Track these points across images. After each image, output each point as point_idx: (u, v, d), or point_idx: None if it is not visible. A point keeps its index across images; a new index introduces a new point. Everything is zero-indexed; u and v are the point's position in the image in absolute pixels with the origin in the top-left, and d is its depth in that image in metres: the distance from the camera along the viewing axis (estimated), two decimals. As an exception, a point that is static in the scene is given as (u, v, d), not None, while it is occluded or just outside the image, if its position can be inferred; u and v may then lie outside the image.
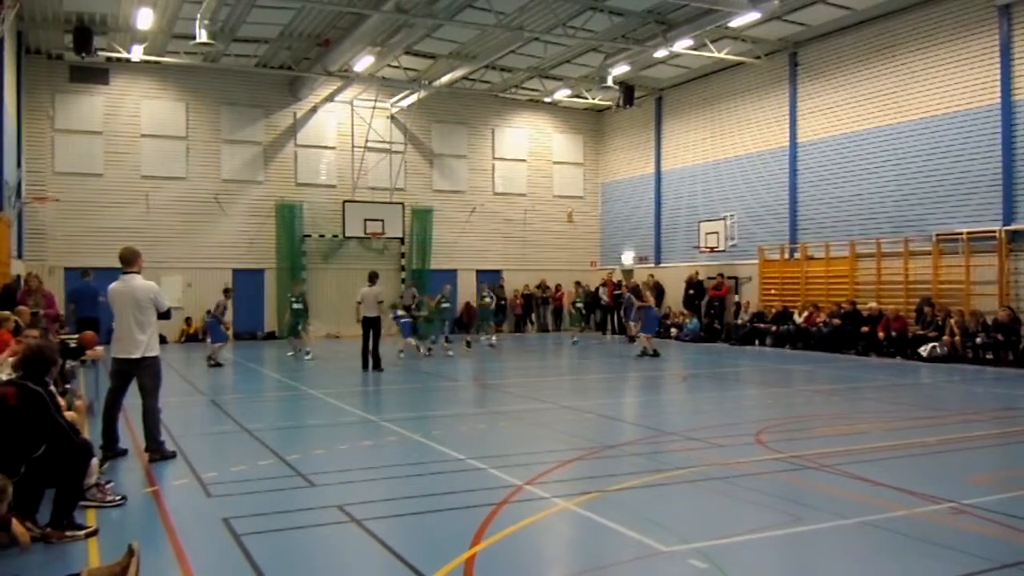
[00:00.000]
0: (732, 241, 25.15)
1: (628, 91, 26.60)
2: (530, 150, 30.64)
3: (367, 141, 27.48)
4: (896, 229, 20.36)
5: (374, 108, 27.42)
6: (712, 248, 25.52)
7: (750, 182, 24.98)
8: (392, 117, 28.23)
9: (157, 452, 8.12)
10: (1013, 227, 17.85)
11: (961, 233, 18.71)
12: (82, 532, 5.68)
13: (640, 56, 23.31)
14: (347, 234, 26.96)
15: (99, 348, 10.53)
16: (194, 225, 25.41)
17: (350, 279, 25.47)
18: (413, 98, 27.26)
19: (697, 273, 26.05)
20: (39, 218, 23.31)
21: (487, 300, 23.19)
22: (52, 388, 6.17)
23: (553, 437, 9.64)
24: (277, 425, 10.91)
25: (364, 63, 23.29)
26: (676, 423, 10.91)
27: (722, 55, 23.50)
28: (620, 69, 23.99)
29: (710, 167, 26.52)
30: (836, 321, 20.54)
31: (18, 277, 17.20)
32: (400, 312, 20.33)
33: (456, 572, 4.98)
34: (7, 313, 10.21)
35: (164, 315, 8.30)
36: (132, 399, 8.42)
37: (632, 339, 22.69)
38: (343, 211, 26.87)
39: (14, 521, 5.27)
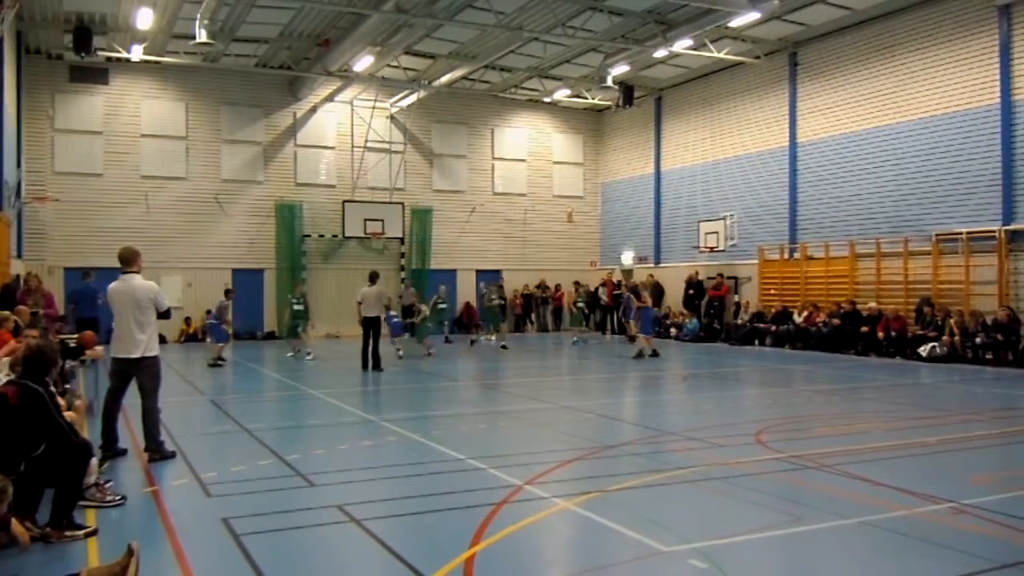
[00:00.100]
0: (732, 241, 25.16)
1: (628, 91, 26.59)
2: (530, 150, 30.64)
3: (367, 141, 27.48)
4: (895, 229, 20.37)
5: (374, 108, 27.41)
6: (712, 248, 25.53)
7: (750, 182, 24.98)
8: (392, 117, 28.23)
9: (157, 452, 8.12)
10: (1012, 227, 17.85)
11: (960, 233, 18.72)
12: (81, 532, 5.68)
13: (640, 56, 23.30)
14: (347, 234, 26.97)
15: (99, 348, 10.54)
16: (194, 225, 25.40)
17: (350, 279, 25.48)
18: (413, 98, 27.26)
19: (697, 273, 26.05)
20: (39, 218, 23.30)
21: (495, 301, 23.12)
22: (52, 388, 6.16)
23: (553, 437, 9.63)
24: (277, 425, 10.90)
25: (364, 63, 23.28)
26: (676, 423, 10.91)
27: (722, 55, 23.50)
28: (620, 69, 23.99)
29: (710, 167, 26.52)
30: (836, 321, 20.54)
31: (18, 277, 17.20)
32: (393, 312, 20.29)
33: (456, 572, 4.98)
34: (7, 313, 10.22)
35: (164, 315, 8.31)
36: (132, 399, 8.43)
37: (632, 339, 22.70)
38: (343, 211, 26.88)
39: (13, 521, 5.28)
